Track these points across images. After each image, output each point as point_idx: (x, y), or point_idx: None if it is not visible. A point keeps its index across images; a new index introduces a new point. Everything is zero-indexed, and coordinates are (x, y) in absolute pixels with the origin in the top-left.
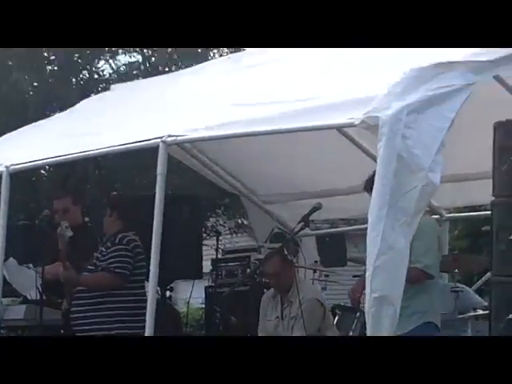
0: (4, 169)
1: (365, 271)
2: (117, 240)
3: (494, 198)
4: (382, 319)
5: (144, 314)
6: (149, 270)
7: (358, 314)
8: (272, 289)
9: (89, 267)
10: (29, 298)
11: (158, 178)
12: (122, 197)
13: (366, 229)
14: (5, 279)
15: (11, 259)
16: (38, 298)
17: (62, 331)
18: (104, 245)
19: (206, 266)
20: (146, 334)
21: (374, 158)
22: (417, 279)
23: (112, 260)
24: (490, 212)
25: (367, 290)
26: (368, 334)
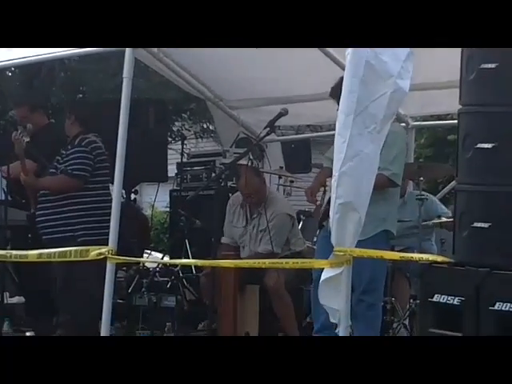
0: None
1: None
2: (76, 142)
3: (460, 106)
4: (346, 225)
5: (109, 219)
6: (113, 173)
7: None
8: (239, 193)
9: (51, 170)
10: None
11: (124, 82)
12: (81, 100)
13: (332, 135)
14: None
15: None
16: (3, 198)
17: (29, 235)
18: (65, 148)
19: (171, 170)
20: (110, 238)
21: (342, 66)
22: (381, 186)
23: (70, 162)
24: (456, 121)
25: (332, 196)
26: (332, 240)
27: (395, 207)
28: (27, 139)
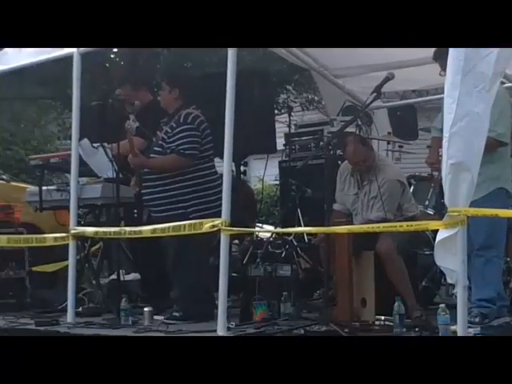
0: (75, 50)
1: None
2: (181, 119)
3: None
4: (459, 186)
5: (218, 192)
6: (223, 146)
7: (434, 183)
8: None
9: (155, 149)
10: (105, 176)
11: (230, 54)
12: (183, 73)
13: (437, 100)
14: (81, 159)
15: (85, 140)
16: (115, 176)
17: (136, 212)
18: (168, 124)
19: (279, 142)
20: (223, 210)
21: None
22: (490, 148)
23: (180, 141)
24: None
25: (444, 157)
26: (446, 201)
27: (509, 165)
28: (137, 124)
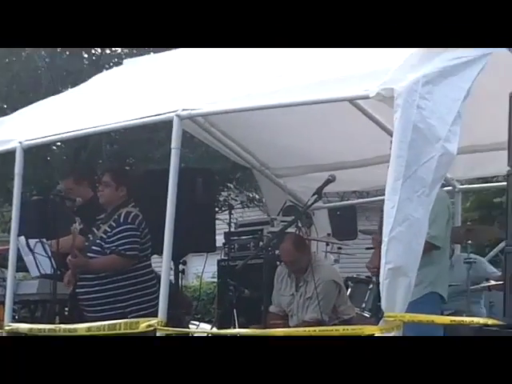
0: (18, 144)
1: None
2: (121, 219)
3: (509, 168)
4: (396, 290)
5: (155, 291)
6: (162, 244)
7: (371, 285)
8: None
9: (93, 248)
10: (37, 275)
11: (173, 152)
12: (129, 171)
13: (378, 201)
14: (18, 254)
15: (21, 237)
16: (52, 272)
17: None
18: (106, 223)
19: (219, 240)
20: (160, 309)
21: (387, 131)
22: (423, 250)
23: (121, 242)
24: (502, 183)
25: (382, 261)
26: (382, 306)
27: (444, 270)
28: (81, 226)
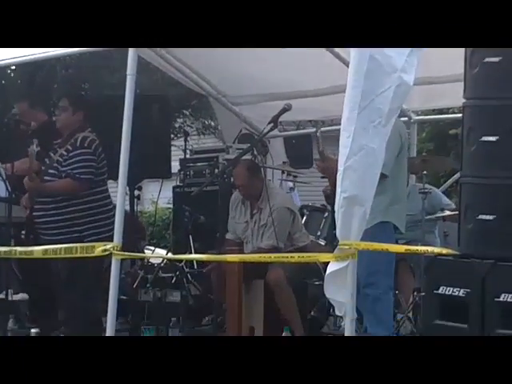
0: None
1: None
2: (78, 143)
3: (464, 100)
4: (351, 219)
5: (111, 216)
6: (117, 169)
7: (326, 214)
8: None
9: (50, 171)
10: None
11: (128, 78)
12: (87, 96)
13: (333, 131)
14: None
15: None
16: (7, 195)
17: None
18: (63, 147)
19: (174, 166)
20: (115, 234)
21: (343, 60)
22: None
23: (76, 165)
24: (457, 115)
25: (338, 190)
26: (337, 234)
27: (397, 200)
28: (38, 149)
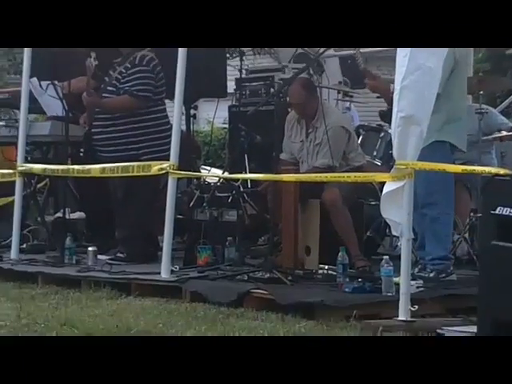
0: None
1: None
2: (136, 60)
3: None
4: (408, 139)
5: (168, 135)
6: (173, 88)
7: (383, 133)
8: None
9: (108, 88)
10: (54, 114)
11: None
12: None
13: (390, 51)
14: (30, 96)
15: (34, 79)
16: (64, 114)
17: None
18: (122, 64)
19: (230, 86)
20: (172, 153)
21: None
22: None
23: (134, 82)
24: None
25: (394, 110)
26: (394, 153)
27: (453, 118)
28: (96, 63)
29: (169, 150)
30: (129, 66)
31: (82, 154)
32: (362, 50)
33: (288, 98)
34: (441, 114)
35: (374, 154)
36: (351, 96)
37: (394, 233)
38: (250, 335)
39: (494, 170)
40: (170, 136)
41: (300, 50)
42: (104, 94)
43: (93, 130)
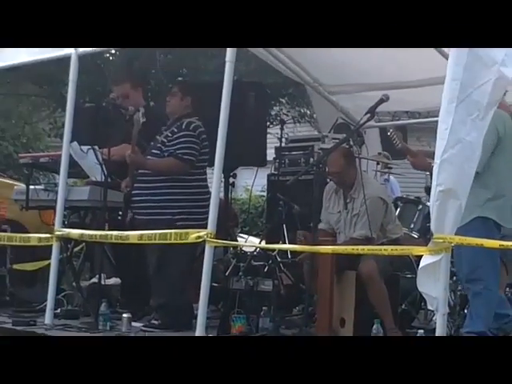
0: (73, 51)
1: None
2: (183, 126)
3: None
4: (446, 212)
5: (206, 205)
6: (213, 156)
7: (421, 206)
8: None
9: (153, 151)
10: (93, 179)
11: (227, 65)
12: (192, 83)
13: (429, 122)
14: (70, 160)
15: (74, 143)
16: (103, 179)
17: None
18: (169, 129)
19: (269, 154)
20: (210, 221)
21: (442, 53)
22: None
23: (180, 146)
24: None
25: (433, 183)
26: (432, 227)
27: (498, 195)
28: (143, 120)
29: (205, 217)
30: (175, 130)
31: (119, 217)
32: (401, 123)
33: (327, 167)
34: (485, 190)
35: (412, 226)
36: (390, 168)
37: (429, 307)
38: None
39: None
40: (207, 204)
41: (340, 120)
42: (148, 157)
43: (133, 192)
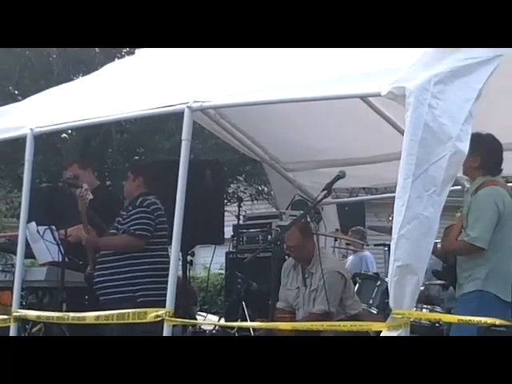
0: (29, 131)
1: None
2: (137, 203)
3: None
4: (405, 288)
5: (165, 281)
6: (171, 235)
7: (379, 282)
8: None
9: (111, 231)
10: (43, 262)
11: (183, 144)
12: (145, 163)
13: (386, 198)
14: (27, 241)
15: (32, 223)
16: (60, 259)
17: (85, 296)
18: (125, 209)
19: (227, 232)
20: (168, 300)
21: (398, 128)
22: (464, 252)
23: (133, 222)
24: None
25: (391, 258)
26: (390, 303)
27: (498, 269)
28: (90, 197)
29: (165, 293)
30: (130, 208)
31: (85, 298)
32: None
33: (285, 242)
34: (486, 266)
35: (370, 302)
36: (348, 244)
37: None
38: None
39: (489, 320)
40: (167, 281)
41: (298, 197)
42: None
43: (95, 273)
